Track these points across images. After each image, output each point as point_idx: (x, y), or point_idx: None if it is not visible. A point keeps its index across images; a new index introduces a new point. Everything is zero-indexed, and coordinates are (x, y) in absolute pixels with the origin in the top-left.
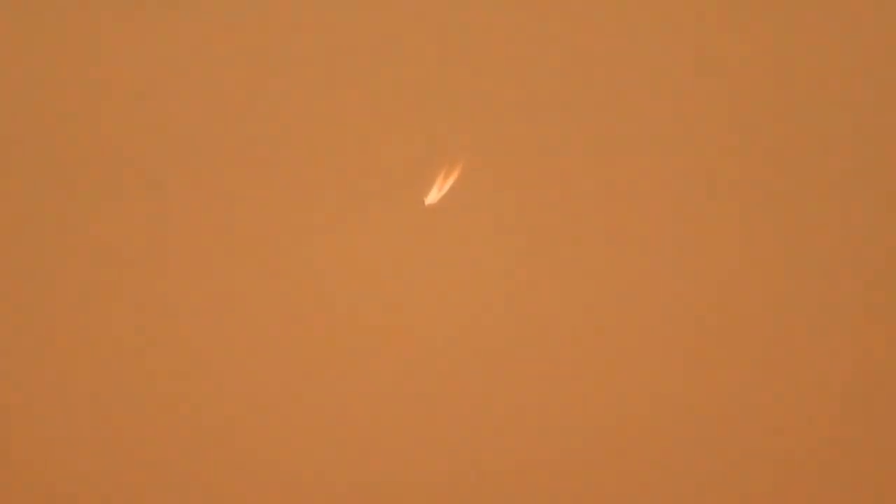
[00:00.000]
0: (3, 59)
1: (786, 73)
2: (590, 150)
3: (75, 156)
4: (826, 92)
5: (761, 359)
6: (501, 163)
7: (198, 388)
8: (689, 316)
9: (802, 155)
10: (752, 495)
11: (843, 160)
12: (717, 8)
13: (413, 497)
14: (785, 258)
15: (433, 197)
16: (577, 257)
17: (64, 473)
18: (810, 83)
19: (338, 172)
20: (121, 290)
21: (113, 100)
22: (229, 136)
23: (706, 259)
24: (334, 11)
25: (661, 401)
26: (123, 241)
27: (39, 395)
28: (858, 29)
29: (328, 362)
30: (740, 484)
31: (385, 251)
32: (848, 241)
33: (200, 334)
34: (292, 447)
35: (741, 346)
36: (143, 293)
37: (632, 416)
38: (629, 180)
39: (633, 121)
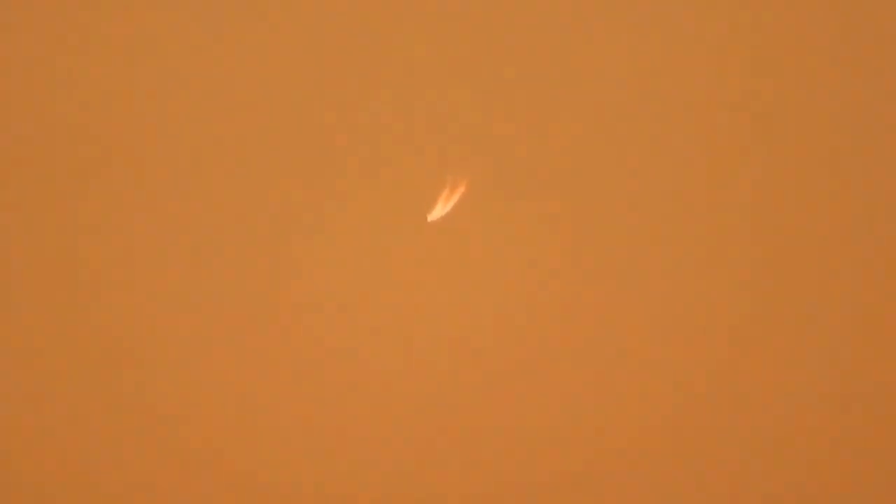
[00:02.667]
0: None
1: (786, 76)
2: (592, 168)
3: (76, 157)
4: (827, 93)
5: (773, 373)
6: (505, 182)
7: (195, 396)
8: (695, 327)
9: (804, 158)
10: (758, 496)
11: (845, 161)
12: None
13: None
14: (795, 268)
15: (437, 213)
16: (579, 273)
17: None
18: (811, 85)
19: (342, 190)
20: (122, 293)
21: (121, 108)
22: (237, 149)
23: (713, 271)
24: (344, 29)
25: (666, 414)
26: (125, 243)
27: (27, 396)
28: (859, 31)
29: (329, 376)
30: (749, 485)
31: (388, 267)
32: (849, 241)
33: (201, 347)
34: (292, 460)
35: (748, 357)
36: (143, 300)
37: (635, 429)
38: (633, 196)
39: (637, 136)
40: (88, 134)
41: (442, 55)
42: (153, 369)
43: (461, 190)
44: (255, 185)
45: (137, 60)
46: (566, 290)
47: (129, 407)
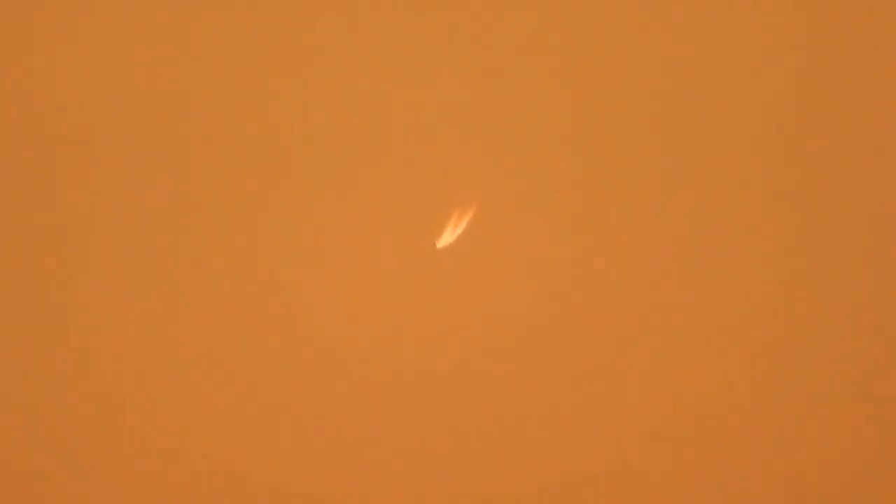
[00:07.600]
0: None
1: (786, 79)
2: (598, 197)
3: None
4: (828, 95)
5: (787, 382)
6: (512, 209)
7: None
8: (703, 340)
9: (805, 160)
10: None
11: (845, 163)
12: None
13: None
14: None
15: (445, 240)
16: (585, 301)
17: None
18: (811, 87)
19: (351, 217)
20: (124, 294)
21: (127, 113)
22: (243, 163)
23: (720, 279)
24: (356, 50)
25: (679, 430)
26: (126, 243)
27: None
28: (859, 34)
29: (332, 400)
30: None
31: (396, 293)
32: (848, 243)
33: (203, 355)
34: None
35: (755, 361)
36: (146, 303)
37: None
38: (639, 230)
39: (646, 163)
40: (89, 134)
41: (452, 87)
42: (153, 373)
43: (468, 217)
44: (260, 200)
45: (144, 72)
46: (567, 312)
47: (123, 408)
